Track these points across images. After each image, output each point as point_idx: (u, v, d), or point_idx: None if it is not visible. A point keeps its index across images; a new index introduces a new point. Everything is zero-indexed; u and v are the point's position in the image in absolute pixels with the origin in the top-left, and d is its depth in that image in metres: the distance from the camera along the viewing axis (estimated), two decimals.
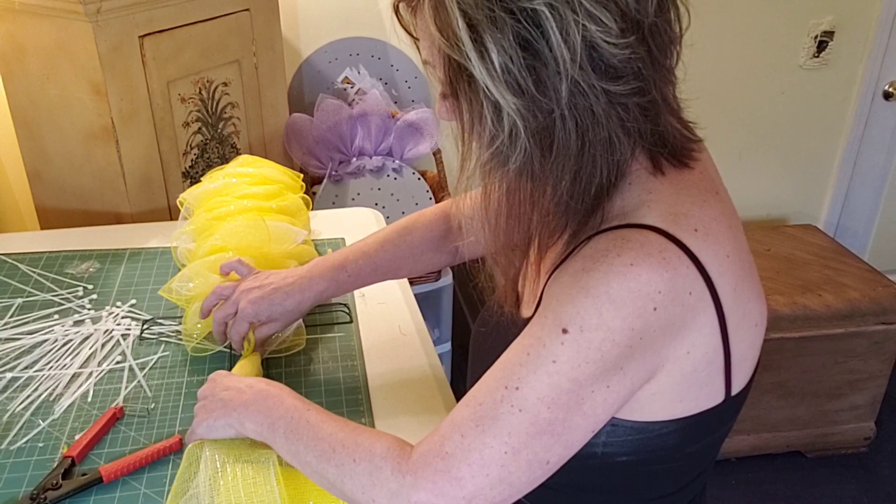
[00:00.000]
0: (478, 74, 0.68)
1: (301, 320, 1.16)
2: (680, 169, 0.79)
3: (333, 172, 2.12)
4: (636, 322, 0.70)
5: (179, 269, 1.30)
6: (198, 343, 1.16)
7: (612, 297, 0.70)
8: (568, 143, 0.71)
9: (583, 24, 0.66)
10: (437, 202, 2.22)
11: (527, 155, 0.71)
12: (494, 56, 0.67)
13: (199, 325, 1.15)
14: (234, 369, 1.07)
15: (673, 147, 0.78)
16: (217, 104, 1.80)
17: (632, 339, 0.71)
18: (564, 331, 0.71)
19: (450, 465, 0.74)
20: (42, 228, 1.79)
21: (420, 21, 0.75)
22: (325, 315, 1.27)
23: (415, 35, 0.80)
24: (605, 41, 0.68)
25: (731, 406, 0.81)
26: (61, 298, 1.30)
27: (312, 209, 1.51)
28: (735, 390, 0.81)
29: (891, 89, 2.62)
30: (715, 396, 0.79)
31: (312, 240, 1.47)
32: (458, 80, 0.71)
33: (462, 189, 0.78)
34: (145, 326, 1.23)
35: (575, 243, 0.77)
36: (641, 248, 0.71)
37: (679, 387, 0.76)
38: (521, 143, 0.70)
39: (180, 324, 1.23)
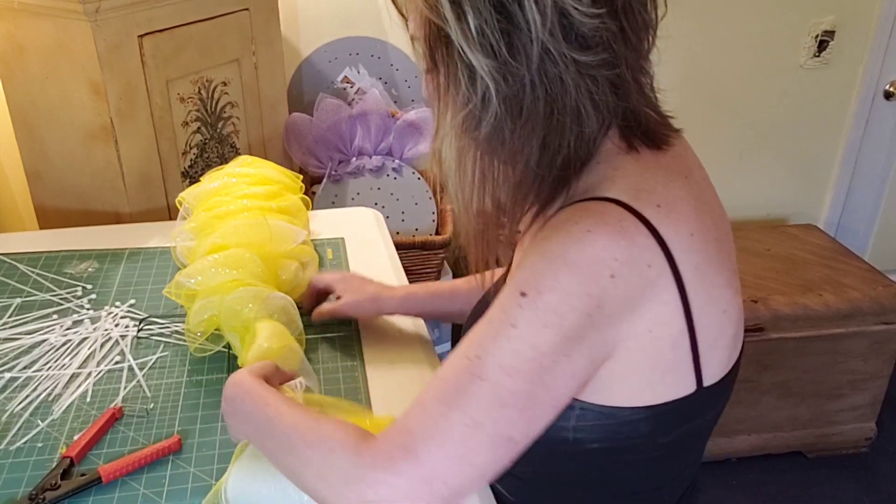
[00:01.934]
0: (454, 37, 0.71)
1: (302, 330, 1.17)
2: (652, 150, 0.81)
3: (333, 172, 2.12)
4: (593, 288, 0.70)
5: (179, 269, 1.29)
6: (200, 343, 1.16)
7: (569, 261, 0.71)
8: (536, 109, 0.73)
9: None
10: (436, 202, 2.21)
11: (497, 119, 0.73)
12: (471, 18, 0.69)
13: (201, 324, 1.15)
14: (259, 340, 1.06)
15: (647, 129, 0.80)
16: (216, 104, 1.80)
17: (589, 305, 0.71)
18: (523, 294, 0.72)
19: (408, 441, 0.71)
20: (41, 228, 1.79)
21: None
22: None
23: (405, 13, 0.82)
24: (575, 8, 0.70)
25: (704, 398, 0.81)
26: (60, 298, 1.30)
27: (312, 209, 1.51)
28: (708, 381, 0.80)
29: (891, 89, 2.61)
30: (684, 386, 0.79)
31: (312, 240, 1.47)
32: (437, 45, 0.74)
33: (434, 151, 0.80)
34: (141, 325, 1.23)
35: (543, 221, 0.79)
36: (600, 217, 0.73)
37: (644, 369, 0.76)
38: (492, 107, 0.72)
39: (178, 323, 1.23)
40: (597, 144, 0.78)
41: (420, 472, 0.70)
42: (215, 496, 0.91)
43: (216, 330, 1.15)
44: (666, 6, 0.78)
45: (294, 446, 0.79)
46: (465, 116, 0.74)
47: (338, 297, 1.23)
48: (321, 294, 1.27)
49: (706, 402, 0.82)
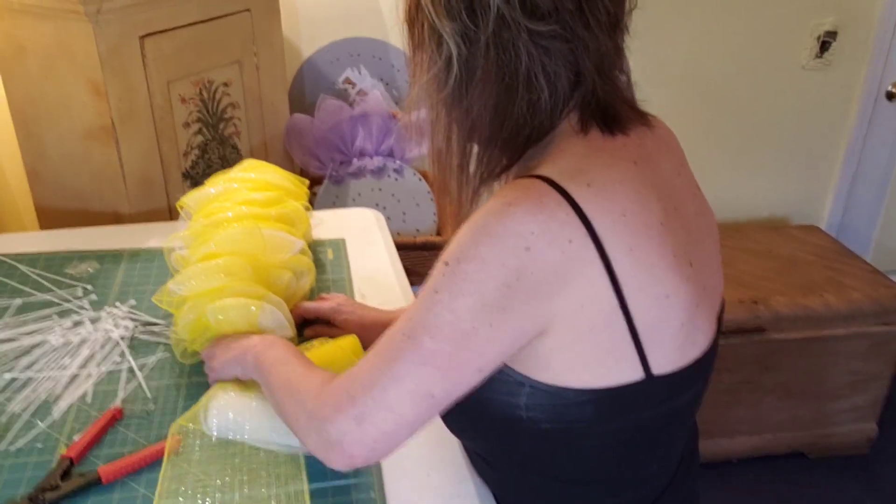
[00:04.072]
0: (425, 5, 0.78)
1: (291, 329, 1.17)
2: (605, 134, 0.83)
3: (334, 173, 2.12)
4: (509, 259, 0.74)
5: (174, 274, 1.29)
6: (187, 349, 1.15)
7: (488, 232, 0.75)
8: (489, 73, 0.78)
9: None
10: (438, 203, 2.21)
11: (457, 81, 0.79)
12: None
13: (187, 326, 1.14)
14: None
15: (605, 112, 0.83)
16: (218, 105, 1.80)
17: (506, 276, 0.74)
18: (446, 263, 0.78)
19: (350, 387, 0.82)
20: (41, 228, 1.79)
21: None
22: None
23: None
24: None
25: (654, 388, 0.81)
26: (60, 299, 1.30)
27: (312, 210, 1.50)
28: (658, 370, 0.81)
29: (894, 90, 2.61)
30: (630, 372, 0.80)
31: (313, 240, 1.47)
32: (415, 14, 0.81)
33: (407, 107, 0.88)
34: (138, 330, 1.22)
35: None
36: (522, 191, 0.77)
37: (580, 347, 0.78)
38: (453, 70, 0.79)
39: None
40: (553, 121, 0.82)
41: (354, 413, 0.80)
42: (193, 416, 1.02)
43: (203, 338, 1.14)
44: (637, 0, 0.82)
45: (286, 388, 0.92)
46: (431, 78, 0.81)
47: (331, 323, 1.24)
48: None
49: (657, 393, 0.83)
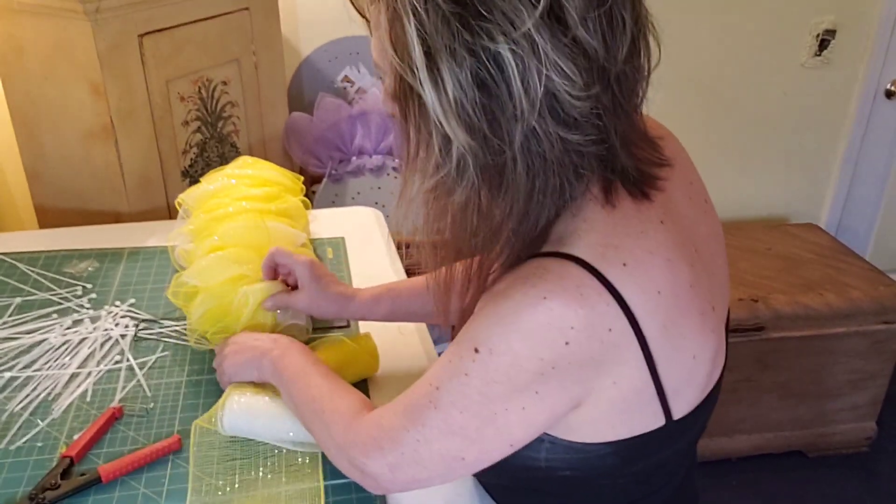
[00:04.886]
0: (429, 103, 0.66)
1: (308, 321, 1.17)
2: (635, 199, 0.76)
3: (333, 171, 2.12)
4: (545, 353, 0.70)
5: (177, 270, 1.29)
6: (200, 337, 1.16)
7: (521, 328, 0.70)
8: (518, 184, 0.69)
9: (546, 75, 0.64)
10: None
11: (474, 188, 0.69)
12: (450, 88, 0.64)
13: (200, 319, 1.15)
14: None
15: (633, 180, 0.76)
16: (216, 103, 1.79)
17: (541, 367, 0.71)
18: (476, 350, 0.73)
19: (379, 435, 0.82)
20: (41, 228, 1.79)
21: (374, 16, 0.71)
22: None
23: (367, 17, 0.74)
24: (568, 93, 0.65)
25: (674, 430, 0.80)
26: (60, 298, 1.30)
27: (312, 208, 1.50)
28: (678, 415, 0.79)
29: (893, 88, 2.61)
30: (652, 421, 0.78)
31: (312, 239, 1.47)
32: (408, 102, 0.69)
33: (401, 214, 0.75)
34: (140, 328, 1.23)
35: (513, 264, 0.76)
36: (559, 282, 0.70)
37: (608, 414, 0.76)
38: (468, 176, 0.68)
39: (180, 322, 1.23)
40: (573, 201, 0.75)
41: (384, 462, 0.81)
42: (210, 417, 1.02)
43: (217, 327, 1.15)
44: (660, 55, 0.73)
45: (314, 403, 0.92)
46: (437, 183, 0.70)
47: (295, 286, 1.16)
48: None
49: (677, 434, 0.81)
